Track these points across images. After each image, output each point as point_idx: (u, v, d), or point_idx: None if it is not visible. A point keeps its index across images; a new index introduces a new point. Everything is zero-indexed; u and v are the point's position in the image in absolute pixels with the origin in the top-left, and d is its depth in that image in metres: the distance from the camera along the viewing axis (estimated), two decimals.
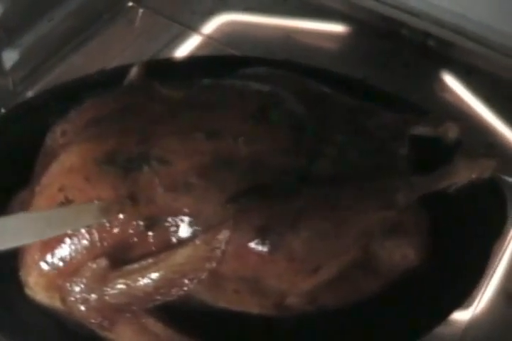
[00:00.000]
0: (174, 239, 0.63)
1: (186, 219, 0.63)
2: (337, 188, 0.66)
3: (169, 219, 0.63)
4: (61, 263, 0.64)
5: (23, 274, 0.68)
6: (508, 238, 0.85)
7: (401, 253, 0.69)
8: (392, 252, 0.69)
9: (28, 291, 0.67)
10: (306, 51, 1.04)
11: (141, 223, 0.63)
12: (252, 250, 0.61)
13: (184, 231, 0.63)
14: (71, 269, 0.64)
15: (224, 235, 0.61)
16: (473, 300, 0.80)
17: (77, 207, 0.64)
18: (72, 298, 0.63)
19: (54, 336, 0.70)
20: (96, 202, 0.63)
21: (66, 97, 0.80)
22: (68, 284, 0.64)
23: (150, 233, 0.63)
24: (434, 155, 0.77)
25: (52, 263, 0.65)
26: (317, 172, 0.68)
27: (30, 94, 0.96)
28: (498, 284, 0.83)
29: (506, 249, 0.84)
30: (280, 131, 0.69)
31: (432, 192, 0.71)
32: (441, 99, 1.00)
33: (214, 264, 0.61)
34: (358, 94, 0.80)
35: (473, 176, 0.72)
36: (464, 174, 0.72)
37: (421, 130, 0.78)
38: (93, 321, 0.64)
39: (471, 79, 1.01)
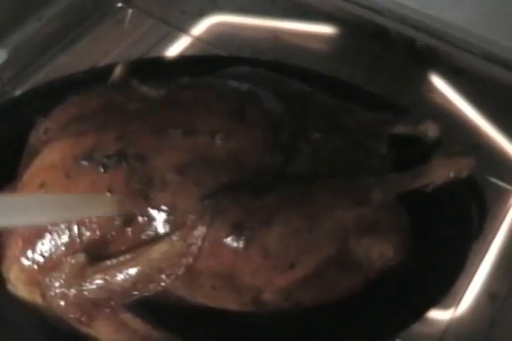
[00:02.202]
0: (152, 235, 0.64)
1: (163, 215, 0.63)
2: (312, 185, 0.66)
3: (146, 215, 0.64)
4: (41, 259, 0.65)
5: (4, 269, 0.68)
6: (490, 238, 0.85)
7: (379, 252, 0.69)
8: (370, 250, 0.69)
9: (9, 286, 0.68)
10: (294, 52, 1.04)
11: (119, 219, 0.64)
12: (227, 246, 0.61)
13: (161, 227, 0.63)
14: (51, 264, 0.65)
15: (200, 231, 0.61)
16: (455, 300, 0.80)
17: (93, 196, 0.64)
18: (52, 293, 0.64)
19: (34, 332, 0.70)
20: (109, 194, 0.64)
21: (51, 96, 0.81)
22: (48, 279, 0.64)
23: (128, 228, 0.64)
24: (414, 154, 0.77)
25: (33, 258, 0.65)
26: (294, 169, 0.68)
27: (18, 93, 0.97)
28: (481, 284, 0.83)
29: (488, 248, 0.85)
30: (257, 128, 0.69)
31: (411, 190, 0.72)
32: (428, 100, 1.01)
33: (190, 260, 0.62)
34: (339, 93, 0.81)
35: (451, 175, 0.72)
36: (441, 173, 0.72)
37: (401, 129, 0.79)
38: (72, 316, 0.64)
39: (459, 80, 1.02)
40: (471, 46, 0.97)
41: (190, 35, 1.07)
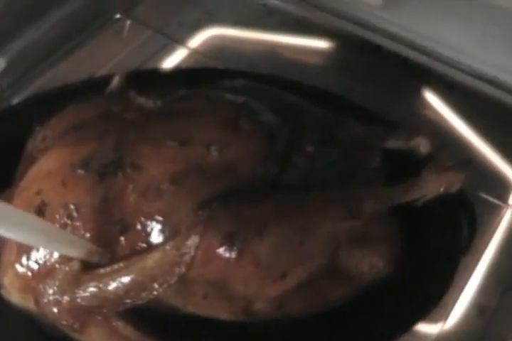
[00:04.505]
0: (145, 244, 0.65)
1: (158, 224, 0.64)
2: (305, 196, 0.67)
3: (141, 224, 0.65)
4: (36, 265, 0.66)
5: None
6: (480, 252, 0.86)
7: (369, 263, 0.70)
8: (361, 261, 0.70)
9: (3, 292, 0.69)
10: (290, 65, 1.05)
11: (114, 227, 0.65)
12: (219, 255, 0.62)
13: (155, 236, 0.64)
14: (45, 271, 0.65)
15: (193, 241, 0.62)
16: (444, 313, 0.81)
17: (75, 238, 0.65)
18: (45, 300, 0.64)
19: (28, 337, 0.71)
20: (89, 243, 0.64)
21: (49, 104, 0.82)
22: (42, 286, 0.65)
23: (122, 237, 0.65)
24: (406, 168, 0.78)
25: (27, 265, 0.66)
26: (287, 181, 0.69)
27: (17, 100, 0.97)
28: (470, 298, 0.83)
29: (478, 263, 0.85)
30: (252, 139, 0.71)
31: (402, 203, 0.73)
32: (421, 115, 1.02)
33: (183, 269, 0.62)
34: (333, 107, 0.82)
35: (442, 189, 0.73)
36: (432, 187, 0.73)
37: (393, 143, 0.80)
38: (65, 323, 0.65)
39: (452, 95, 1.03)
40: (460, 64, 0.98)
41: (187, 47, 1.08)
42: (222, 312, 0.67)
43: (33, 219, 0.61)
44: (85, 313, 0.64)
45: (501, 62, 0.93)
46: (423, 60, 0.99)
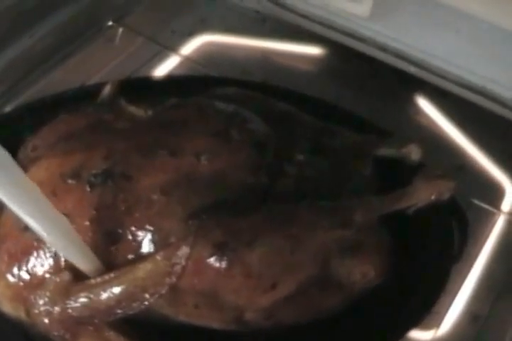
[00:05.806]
0: (136, 254, 0.65)
1: (148, 234, 0.64)
2: (296, 206, 0.67)
3: (132, 234, 0.65)
4: (27, 276, 0.66)
5: None
6: (472, 258, 0.86)
7: (360, 272, 0.70)
8: (352, 270, 0.70)
9: None
10: (283, 72, 1.06)
11: (105, 237, 0.65)
12: (210, 266, 0.62)
13: (146, 246, 0.64)
14: (36, 282, 0.65)
15: (184, 251, 0.62)
16: (436, 320, 0.81)
17: (90, 252, 0.64)
18: (36, 311, 0.64)
19: None
20: (99, 262, 0.64)
21: (41, 112, 0.82)
22: (33, 296, 0.64)
23: (113, 247, 0.65)
24: (397, 176, 0.78)
25: (19, 275, 0.66)
26: (278, 190, 0.69)
27: (9, 108, 0.97)
28: (463, 305, 0.84)
29: (471, 269, 0.86)
30: (243, 149, 0.71)
31: (393, 212, 0.73)
32: (414, 122, 1.02)
33: (174, 279, 0.62)
34: (325, 115, 0.82)
35: (432, 197, 0.73)
36: (422, 195, 0.73)
37: (385, 151, 0.80)
38: (56, 334, 0.65)
39: (445, 102, 1.03)
40: (449, 74, 0.98)
41: (179, 54, 1.08)
42: (213, 322, 0.67)
43: (64, 220, 0.61)
44: (77, 324, 0.64)
45: (488, 72, 0.93)
46: (412, 69, 1.00)
